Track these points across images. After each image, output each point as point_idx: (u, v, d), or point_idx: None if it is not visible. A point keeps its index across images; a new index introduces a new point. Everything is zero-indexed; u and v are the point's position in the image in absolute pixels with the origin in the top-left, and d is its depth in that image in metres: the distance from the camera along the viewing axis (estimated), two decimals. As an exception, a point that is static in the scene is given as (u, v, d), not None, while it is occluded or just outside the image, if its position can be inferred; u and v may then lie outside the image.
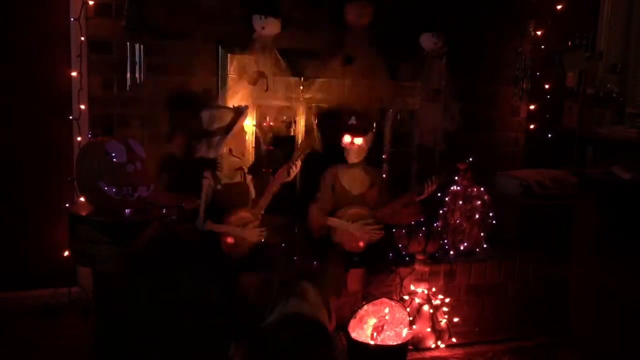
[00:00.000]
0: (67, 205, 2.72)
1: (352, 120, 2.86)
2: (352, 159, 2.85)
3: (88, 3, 2.87)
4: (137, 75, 2.89)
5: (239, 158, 2.71)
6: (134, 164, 2.48)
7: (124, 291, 2.45)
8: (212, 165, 2.65)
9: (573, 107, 3.91)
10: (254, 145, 2.95)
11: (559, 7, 3.77)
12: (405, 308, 2.70)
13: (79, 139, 2.95)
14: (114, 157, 2.45)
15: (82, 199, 2.65)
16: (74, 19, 2.88)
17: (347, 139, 2.82)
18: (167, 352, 2.44)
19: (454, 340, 2.88)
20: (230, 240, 2.60)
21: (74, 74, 2.92)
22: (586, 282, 2.75)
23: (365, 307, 2.63)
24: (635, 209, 2.72)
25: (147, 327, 2.43)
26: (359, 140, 2.82)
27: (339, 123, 2.88)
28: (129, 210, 2.49)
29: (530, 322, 3.05)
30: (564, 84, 3.94)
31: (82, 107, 2.93)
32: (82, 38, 2.89)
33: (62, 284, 3.01)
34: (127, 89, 2.90)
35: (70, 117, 2.95)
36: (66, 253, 2.85)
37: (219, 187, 2.61)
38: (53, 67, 2.95)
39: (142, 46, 2.87)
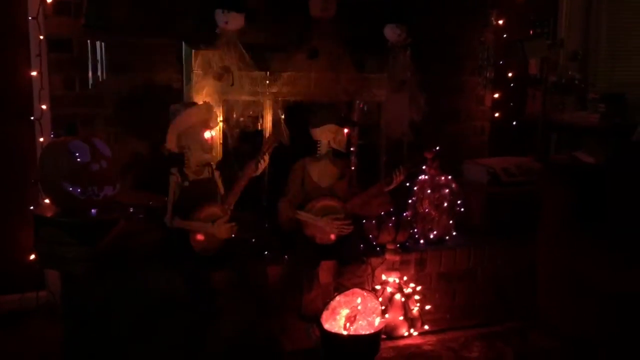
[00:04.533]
0: (31, 207, 2.67)
1: (345, 112, 2.87)
2: (344, 148, 2.86)
3: (46, 1, 2.81)
4: (99, 73, 2.85)
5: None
6: (99, 163, 2.44)
7: (92, 292, 2.42)
8: (179, 161, 2.63)
9: (536, 95, 3.97)
10: (221, 142, 2.93)
11: (519, -4, 3.84)
12: (377, 297, 2.72)
13: (41, 139, 2.89)
14: (77, 156, 2.41)
15: (47, 200, 2.61)
16: (32, 18, 2.82)
17: (337, 130, 2.82)
18: (138, 353, 2.42)
19: (426, 327, 2.92)
20: (200, 237, 2.58)
21: (34, 73, 2.87)
22: (553, 266, 2.80)
23: (338, 298, 2.64)
24: (599, 192, 2.78)
25: (116, 328, 2.40)
26: (346, 130, 2.85)
27: (314, 117, 2.87)
28: (94, 210, 2.46)
29: (501, 307, 3.09)
30: (527, 72, 4.00)
31: (44, 107, 2.88)
32: (41, 37, 2.83)
33: (29, 288, 2.95)
34: (89, 87, 2.86)
35: (32, 118, 2.90)
36: (32, 256, 2.80)
37: (186, 183, 2.58)
38: (12, 67, 2.89)
39: (103, 44, 2.83)
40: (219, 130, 2.90)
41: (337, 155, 2.92)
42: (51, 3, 2.82)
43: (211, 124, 2.66)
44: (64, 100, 2.89)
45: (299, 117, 3.00)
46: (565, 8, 4.16)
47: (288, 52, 2.99)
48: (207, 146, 2.62)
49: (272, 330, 2.49)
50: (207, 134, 2.62)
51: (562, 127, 3.99)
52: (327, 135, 2.83)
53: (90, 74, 2.86)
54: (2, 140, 2.93)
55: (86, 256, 2.37)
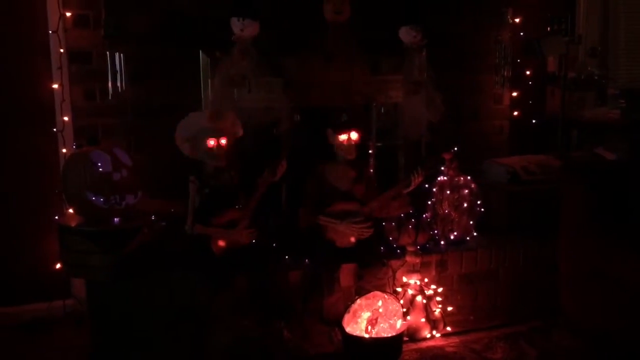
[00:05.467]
0: (56, 217, 2.72)
1: (345, 117, 2.86)
2: (349, 155, 2.82)
3: (65, 15, 2.87)
4: (118, 83, 2.90)
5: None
6: (120, 173, 2.49)
7: (117, 300, 2.46)
8: (198, 169, 2.66)
9: (555, 92, 3.94)
10: (240, 148, 2.94)
11: (536, -7, 3.82)
12: (399, 300, 2.72)
13: (64, 150, 2.95)
14: (99, 166, 2.46)
15: (70, 210, 2.66)
16: (53, 32, 2.88)
17: (343, 136, 2.79)
18: (163, 358, 2.45)
19: (449, 329, 2.90)
20: (221, 243, 2.61)
21: (55, 86, 2.93)
22: (575, 264, 2.78)
23: (359, 301, 2.65)
24: (620, 189, 2.75)
25: (141, 334, 2.44)
26: (354, 136, 2.80)
27: (328, 122, 2.88)
28: (117, 218, 2.50)
29: (524, 307, 3.07)
30: (545, 70, 3.97)
31: (66, 118, 2.94)
32: (62, 50, 2.89)
33: (56, 297, 3.01)
34: (109, 98, 2.92)
35: (54, 130, 2.95)
36: (58, 265, 2.85)
37: (206, 190, 2.61)
38: (34, 80, 2.95)
39: (122, 55, 2.88)
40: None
41: (355, 158, 2.92)
42: (71, 16, 2.89)
43: (222, 131, 2.65)
44: (85, 111, 2.96)
45: (315, 121, 3.01)
46: (583, 4, 4.12)
47: (303, 56, 3.01)
48: (212, 153, 2.61)
49: (269, 340, 2.51)
50: (211, 141, 2.61)
51: (583, 123, 3.96)
52: (337, 140, 2.83)
53: (110, 84, 2.92)
54: (27, 152, 2.99)
55: (110, 264, 2.42)
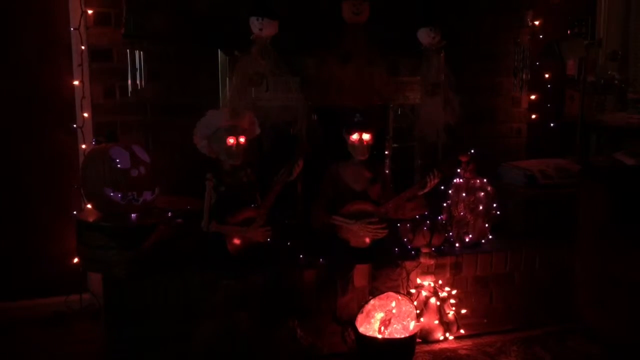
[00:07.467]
0: (74, 212, 2.76)
1: (358, 117, 2.86)
2: (360, 155, 2.83)
3: (87, 12, 2.91)
4: (138, 81, 2.93)
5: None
6: (138, 169, 2.52)
7: (133, 295, 2.48)
8: (215, 166, 2.68)
9: (574, 96, 3.90)
10: (257, 146, 2.97)
11: (556, -4, 3.79)
12: (412, 301, 2.72)
13: (83, 146, 2.99)
14: (118, 163, 2.49)
15: (89, 205, 2.69)
16: (74, 29, 2.92)
17: (355, 136, 2.80)
18: (178, 355, 2.47)
19: (462, 331, 2.90)
20: (236, 241, 2.62)
21: (76, 82, 2.97)
22: (592, 269, 2.75)
23: (372, 301, 2.65)
24: (639, 194, 2.73)
25: (156, 330, 2.46)
26: (367, 136, 2.80)
27: (343, 122, 2.89)
28: (134, 215, 2.53)
29: (538, 311, 3.05)
30: (565, 73, 3.94)
31: (86, 115, 2.98)
32: (83, 47, 2.93)
33: (73, 291, 3.05)
34: (129, 95, 2.95)
35: (75, 126, 2.99)
36: (76, 260, 2.89)
37: (222, 188, 2.62)
38: (55, 76, 3.00)
39: (142, 53, 2.91)
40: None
41: (371, 159, 2.92)
42: (92, 14, 2.92)
43: (241, 130, 2.67)
44: (105, 108, 2.99)
45: (332, 121, 3.02)
46: (604, 7, 4.08)
47: (321, 56, 3.02)
48: (231, 152, 2.63)
49: (259, 339, 2.52)
50: (230, 140, 2.62)
51: (602, 128, 3.92)
52: (350, 140, 2.83)
53: (129, 82, 2.95)
54: (47, 147, 3.04)
55: (127, 259, 2.44)
